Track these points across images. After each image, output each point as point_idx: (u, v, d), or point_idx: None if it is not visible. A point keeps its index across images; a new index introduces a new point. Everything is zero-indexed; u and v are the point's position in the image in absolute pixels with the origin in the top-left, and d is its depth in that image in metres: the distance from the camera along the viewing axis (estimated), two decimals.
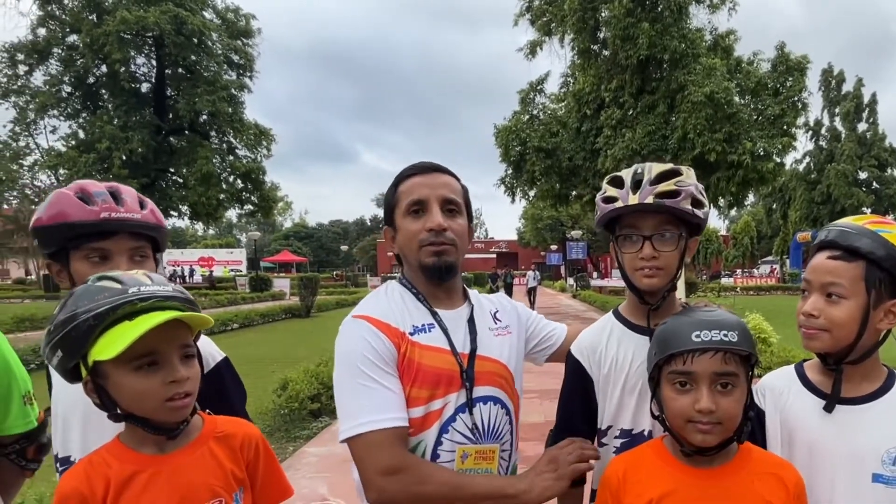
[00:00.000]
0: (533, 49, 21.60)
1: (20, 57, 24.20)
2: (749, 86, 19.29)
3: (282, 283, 32.40)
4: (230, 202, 28.26)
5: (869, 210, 32.76)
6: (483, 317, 1.43)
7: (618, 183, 1.36)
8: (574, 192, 23.35)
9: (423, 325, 1.34)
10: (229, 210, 30.77)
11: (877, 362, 1.24)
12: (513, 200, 24.80)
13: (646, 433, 1.33)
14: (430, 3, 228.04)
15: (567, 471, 1.27)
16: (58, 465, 1.31)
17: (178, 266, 46.09)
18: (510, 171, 22.88)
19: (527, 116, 22.36)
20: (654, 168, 1.33)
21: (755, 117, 19.42)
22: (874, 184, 32.31)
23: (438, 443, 1.29)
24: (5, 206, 31.39)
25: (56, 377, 1.25)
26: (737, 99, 19.02)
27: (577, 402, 1.42)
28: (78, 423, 1.26)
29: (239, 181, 27.80)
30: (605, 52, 20.53)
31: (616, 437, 1.37)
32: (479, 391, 1.33)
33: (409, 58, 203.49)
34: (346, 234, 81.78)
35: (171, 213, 27.24)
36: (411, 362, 1.29)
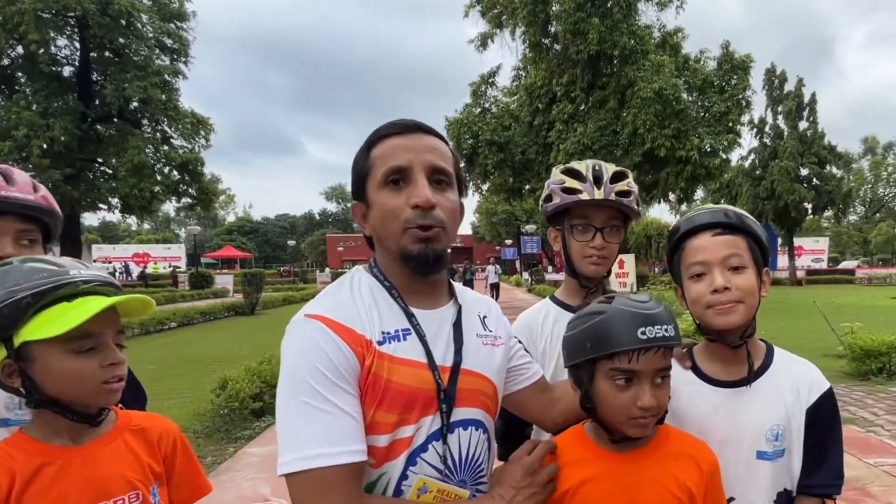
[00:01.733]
0: (484, 41, 21.85)
1: None
2: (696, 83, 20.17)
3: (224, 280, 31.60)
4: (166, 195, 27.25)
5: (810, 205, 34.89)
6: (471, 320, 1.19)
7: (576, 175, 1.53)
8: (528, 186, 23.79)
9: (395, 331, 1.08)
10: (165, 203, 29.79)
11: (759, 341, 1.33)
12: (466, 194, 25.07)
13: None
14: None
15: (544, 476, 1.12)
16: None
17: (110, 263, 44.13)
18: (462, 165, 23.10)
19: (479, 109, 22.61)
20: (609, 168, 1.54)
21: (702, 114, 20.32)
22: (814, 180, 34.28)
23: (404, 476, 1.05)
24: None
25: None
26: (684, 96, 19.86)
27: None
28: None
29: (175, 172, 26.79)
30: (557, 47, 20.98)
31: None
32: (460, 413, 1.10)
33: (354, 47, 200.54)
34: (294, 228, 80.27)
35: (101, 206, 26.09)
36: (378, 379, 1.03)
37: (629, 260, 15.69)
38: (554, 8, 20.00)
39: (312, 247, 69.97)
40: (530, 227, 40.09)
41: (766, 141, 36.03)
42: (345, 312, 1.06)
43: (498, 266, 26.60)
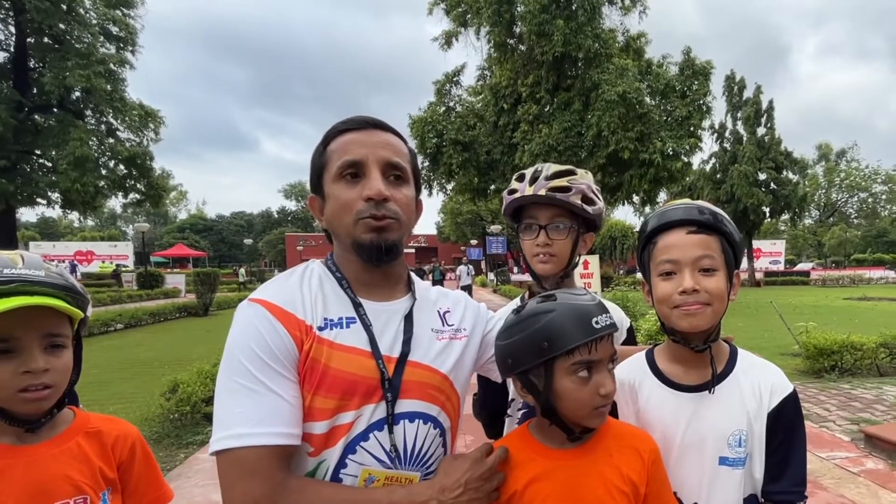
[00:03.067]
0: (448, 40, 21.91)
1: None
2: (659, 87, 20.70)
3: (176, 280, 30.80)
4: (111, 190, 26.22)
5: (768, 209, 36.31)
6: (426, 314, 1.22)
7: (521, 178, 1.60)
8: (493, 187, 23.99)
9: (339, 318, 1.11)
10: (111, 199, 28.64)
11: (723, 343, 1.32)
12: (430, 193, 25.08)
13: None
14: None
15: (494, 483, 1.11)
16: None
17: (53, 262, 42.22)
18: (427, 164, 23.12)
19: (443, 108, 22.68)
20: (552, 167, 1.57)
21: (665, 118, 20.87)
22: (772, 184, 35.72)
23: (342, 464, 1.07)
24: None
25: None
26: (648, 99, 20.35)
27: (490, 385, 1.64)
28: None
29: (122, 166, 25.83)
30: (522, 47, 21.23)
31: (519, 410, 1.57)
32: (406, 405, 1.12)
33: (310, 42, 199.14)
34: (251, 226, 78.70)
35: (39, 200, 24.97)
36: (316, 364, 1.06)
37: (594, 261, 16.00)
38: (519, 9, 20.21)
39: (271, 245, 68.74)
40: (496, 228, 40.43)
41: (727, 146, 37.30)
42: (287, 297, 1.10)
43: (471, 266, 23.89)
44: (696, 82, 20.75)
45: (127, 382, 7.71)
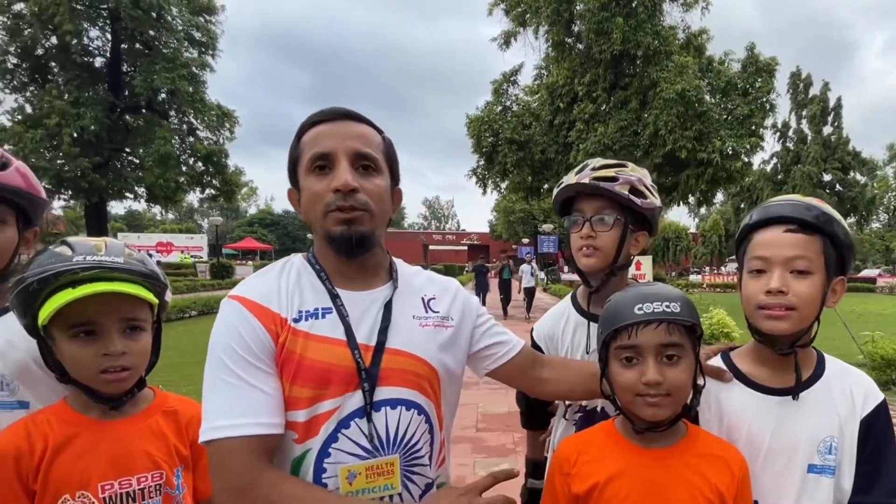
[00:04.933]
0: (507, 39, 21.65)
1: None
2: (719, 85, 19.79)
3: (245, 271, 31.89)
4: (190, 185, 27.50)
5: None
6: (408, 302, 1.19)
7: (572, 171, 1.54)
8: (546, 186, 23.61)
9: (314, 309, 1.10)
10: (189, 194, 29.99)
11: (811, 347, 1.24)
12: (484, 192, 24.91)
13: (598, 409, 1.46)
14: None
15: None
16: None
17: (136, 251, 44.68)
18: (482, 163, 22.97)
19: (499, 107, 22.45)
20: (603, 161, 1.47)
21: (725, 116, 19.94)
22: (837, 186, 33.63)
23: (325, 453, 1.06)
24: None
25: None
26: (707, 97, 19.51)
27: None
28: None
29: (200, 164, 27.02)
30: (580, 46, 20.76)
31: (576, 413, 1.51)
32: (386, 392, 1.10)
33: (363, 45, 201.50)
34: None
35: (127, 195, 26.45)
36: (291, 354, 1.06)
37: (646, 262, 15.46)
38: (578, 7, 19.77)
39: None
40: (547, 227, 39.81)
41: (789, 145, 35.36)
42: (263, 292, 1.11)
43: (534, 265, 18.60)
44: (759, 79, 19.69)
45: (198, 366, 7.82)
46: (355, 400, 1.08)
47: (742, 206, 41.09)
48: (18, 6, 23.21)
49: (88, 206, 25.66)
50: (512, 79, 22.60)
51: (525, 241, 52.12)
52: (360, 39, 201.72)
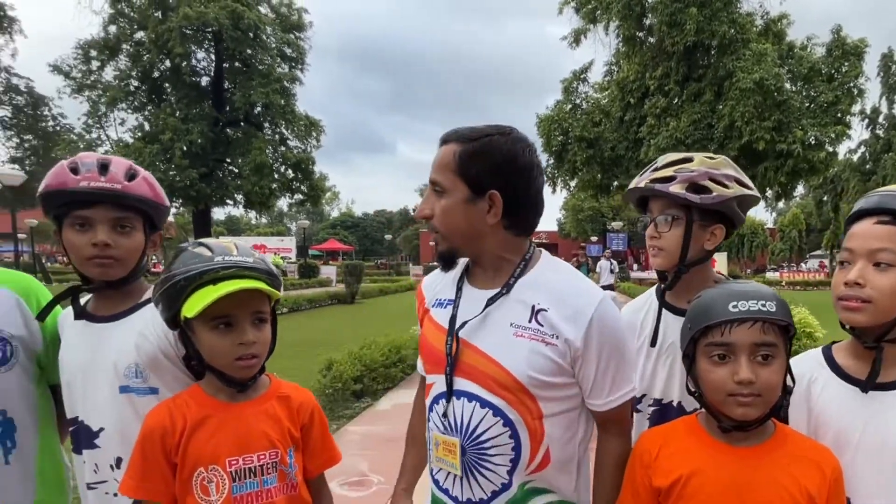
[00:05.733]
0: (577, 37, 21.13)
1: (93, 53, 25.24)
2: (801, 72, 18.36)
3: (328, 271, 32.95)
4: (281, 191, 28.76)
5: None
6: (512, 307, 1.17)
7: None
8: (616, 183, 22.81)
9: (444, 299, 1.26)
10: (280, 199, 31.36)
11: None
12: (554, 191, 24.44)
13: (674, 404, 1.38)
14: None
15: None
16: (65, 427, 1.40)
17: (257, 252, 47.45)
18: (552, 162, 22.51)
19: (569, 106, 21.92)
20: (669, 157, 1.41)
21: (807, 104, 18.46)
22: None
23: (429, 419, 1.25)
24: None
25: (61, 346, 1.38)
26: (788, 86, 18.17)
27: None
28: (81, 388, 1.33)
29: (290, 171, 28.20)
30: (651, 39, 19.93)
31: (650, 406, 1.43)
32: (464, 384, 1.16)
33: (432, 51, 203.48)
34: (391, 223, 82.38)
35: (227, 201, 28.04)
36: (422, 332, 1.31)
37: (721, 259, 14.54)
38: (649, 0, 18.85)
39: (407, 241, 71.57)
40: (617, 224, 38.47)
41: (879, 132, 32.09)
42: (431, 280, 1.37)
43: (613, 262, 16.30)
44: (845, 63, 18.05)
45: (289, 360, 8.11)
46: (442, 382, 1.20)
47: (825, 198, 37.84)
48: (139, 35, 25.22)
49: (195, 213, 27.37)
50: (582, 76, 22.03)
51: (594, 238, 50.68)
52: (429, 46, 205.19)
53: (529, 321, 1.15)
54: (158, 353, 1.31)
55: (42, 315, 1.39)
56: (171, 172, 24.67)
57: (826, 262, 42.05)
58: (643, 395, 1.44)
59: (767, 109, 17.39)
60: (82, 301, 1.40)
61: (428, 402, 1.24)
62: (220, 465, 1.18)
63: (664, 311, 1.42)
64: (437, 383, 1.20)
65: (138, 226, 1.34)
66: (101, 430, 1.31)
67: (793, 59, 18.64)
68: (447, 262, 1.22)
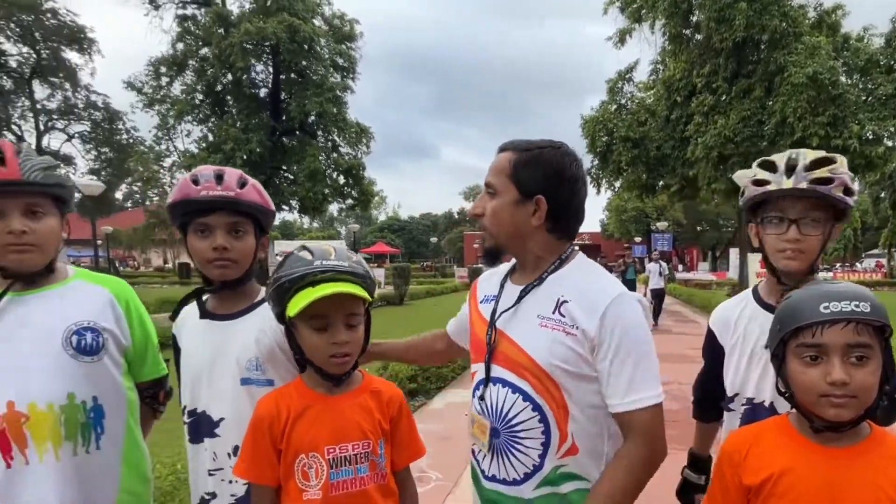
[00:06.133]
0: (622, 37, 20.70)
1: (163, 70, 26.39)
2: (858, 64, 17.40)
3: (377, 273, 33.30)
4: (333, 196, 29.15)
5: None
6: (540, 300, 1.27)
7: (769, 167, 1.39)
8: (661, 182, 22.21)
9: (489, 295, 1.39)
10: (332, 204, 31.93)
11: None
12: (598, 192, 23.98)
13: (766, 404, 1.38)
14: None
15: None
16: (186, 416, 1.47)
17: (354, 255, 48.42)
18: (596, 162, 22.16)
19: (614, 106, 21.53)
20: (808, 154, 1.35)
21: (864, 98, 17.47)
22: None
23: (472, 402, 1.39)
24: (148, 203, 34.86)
25: (183, 343, 1.50)
26: (843, 79, 17.23)
27: (709, 367, 1.58)
28: (206, 380, 1.42)
29: (341, 177, 28.60)
30: (698, 36, 19.31)
31: (742, 405, 1.43)
32: (499, 371, 1.27)
33: (473, 55, 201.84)
34: (436, 226, 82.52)
35: (283, 207, 28.79)
36: (470, 325, 1.45)
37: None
38: None
39: (451, 244, 71.62)
40: (662, 225, 37.44)
41: None
42: (482, 279, 1.49)
43: (663, 264, 15.02)
44: None
45: None
46: (482, 370, 1.31)
47: (882, 195, 35.69)
48: (203, 51, 26.24)
49: None
50: (627, 76, 21.59)
51: (637, 239, 49.47)
52: (470, 51, 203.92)
53: (553, 312, 1.23)
54: (275, 348, 1.41)
55: (173, 315, 1.52)
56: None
57: (884, 261, 39.59)
58: (735, 395, 1.45)
59: (821, 104, 16.57)
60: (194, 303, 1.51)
61: (472, 388, 1.36)
62: (318, 453, 1.25)
63: (762, 310, 1.42)
64: (479, 371, 1.33)
65: (250, 230, 1.44)
66: (222, 419, 1.40)
67: (848, 52, 17.69)
68: (492, 259, 1.33)
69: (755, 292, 1.50)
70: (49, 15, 26.23)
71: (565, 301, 1.22)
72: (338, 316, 1.23)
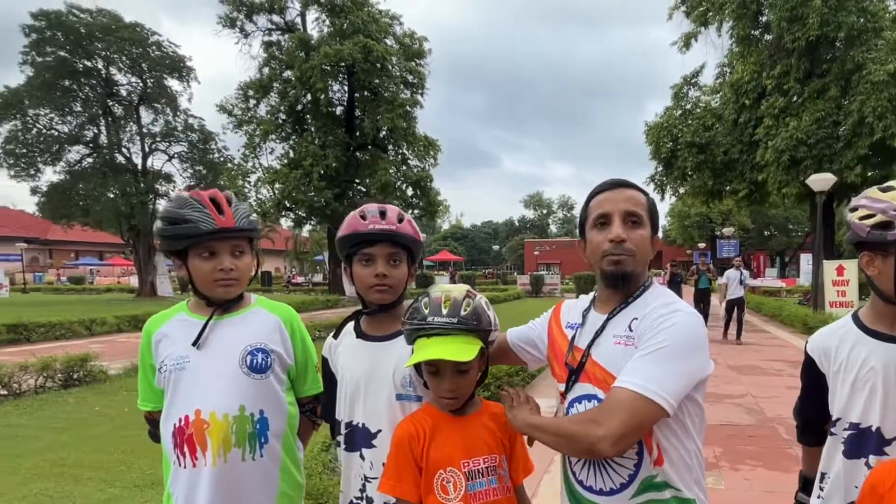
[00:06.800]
0: (687, 41, 20.05)
1: (251, 93, 27.90)
2: None
3: (441, 280, 33.66)
4: (403, 208, 29.14)
5: None
6: (618, 323, 1.34)
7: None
8: (728, 188, 21.24)
9: (571, 322, 1.44)
10: None
11: None
12: (662, 198, 23.22)
13: (873, 429, 1.36)
14: (543, 5, 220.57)
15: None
16: (341, 428, 1.55)
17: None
18: (660, 169, 21.54)
19: (679, 111, 20.87)
20: None
21: None
22: None
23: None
24: None
25: (342, 360, 1.57)
26: None
27: (809, 393, 1.57)
28: (363, 396, 1.50)
29: (410, 189, 29.03)
30: (768, 37, 18.41)
31: (845, 430, 1.42)
32: (582, 389, 1.33)
33: (530, 64, 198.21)
34: (497, 234, 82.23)
35: None
36: (550, 347, 1.50)
37: (850, 266, 12.72)
38: None
39: (512, 251, 71.12)
40: (727, 230, 35.52)
41: None
42: (566, 308, 1.52)
43: (745, 272, 13.13)
44: None
45: None
46: (571, 389, 1.36)
47: None
48: (286, 73, 27.50)
49: (329, 230, 28.89)
50: (693, 81, 20.89)
51: (701, 245, 47.20)
52: (528, 58, 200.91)
53: (625, 330, 1.31)
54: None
55: (336, 334, 1.62)
56: (310, 194, 26.19)
57: None
58: (838, 419, 1.43)
59: None
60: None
61: (565, 406, 1.37)
62: (455, 467, 1.33)
63: (866, 336, 1.41)
64: (568, 390, 1.37)
65: (405, 259, 1.53)
66: (379, 431, 1.46)
67: None
68: (623, 280, 1.33)
69: (856, 318, 1.47)
70: (154, 47, 28.31)
71: (635, 318, 1.30)
72: (447, 367, 1.33)
